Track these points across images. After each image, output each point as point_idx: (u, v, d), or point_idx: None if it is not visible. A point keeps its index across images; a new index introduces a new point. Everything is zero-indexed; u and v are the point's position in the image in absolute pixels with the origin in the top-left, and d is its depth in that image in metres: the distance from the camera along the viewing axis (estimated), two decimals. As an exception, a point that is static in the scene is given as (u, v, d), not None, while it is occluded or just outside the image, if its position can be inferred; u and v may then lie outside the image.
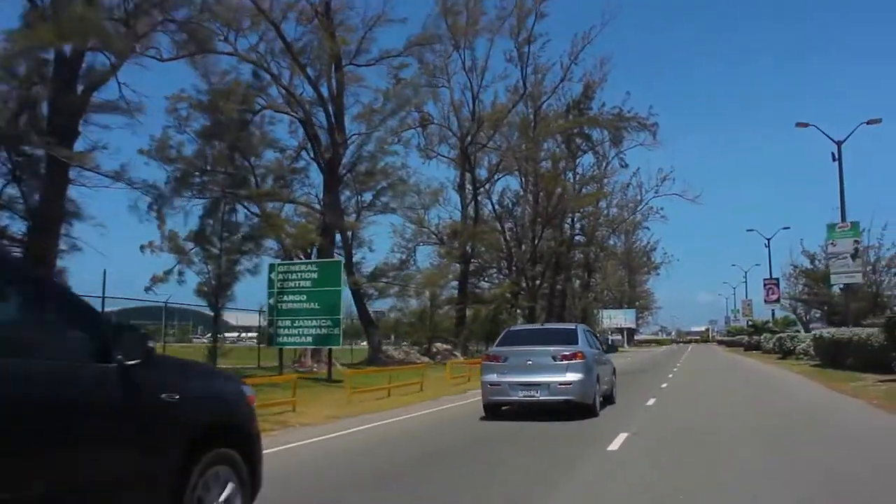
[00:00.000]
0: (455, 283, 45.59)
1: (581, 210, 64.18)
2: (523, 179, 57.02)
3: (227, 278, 25.80)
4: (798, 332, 46.38)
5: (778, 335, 43.76)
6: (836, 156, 32.09)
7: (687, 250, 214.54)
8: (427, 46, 35.62)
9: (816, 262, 60.57)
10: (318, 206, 31.62)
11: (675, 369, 31.16)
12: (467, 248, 44.11)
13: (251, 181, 29.77)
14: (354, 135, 31.29)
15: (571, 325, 16.06)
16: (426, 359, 36.87)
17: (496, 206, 54.92)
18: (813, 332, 35.49)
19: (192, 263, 25.53)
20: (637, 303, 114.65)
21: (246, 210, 29.09)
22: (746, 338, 72.30)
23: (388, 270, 37.66)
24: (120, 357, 3.62)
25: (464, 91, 45.22)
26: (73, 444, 3.33)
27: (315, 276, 23.43)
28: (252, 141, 30.51)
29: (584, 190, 62.29)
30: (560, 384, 12.26)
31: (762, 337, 55.21)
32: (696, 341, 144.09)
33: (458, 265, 44.39)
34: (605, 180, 65.52)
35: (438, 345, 40.49)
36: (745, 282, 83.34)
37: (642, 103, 72.60)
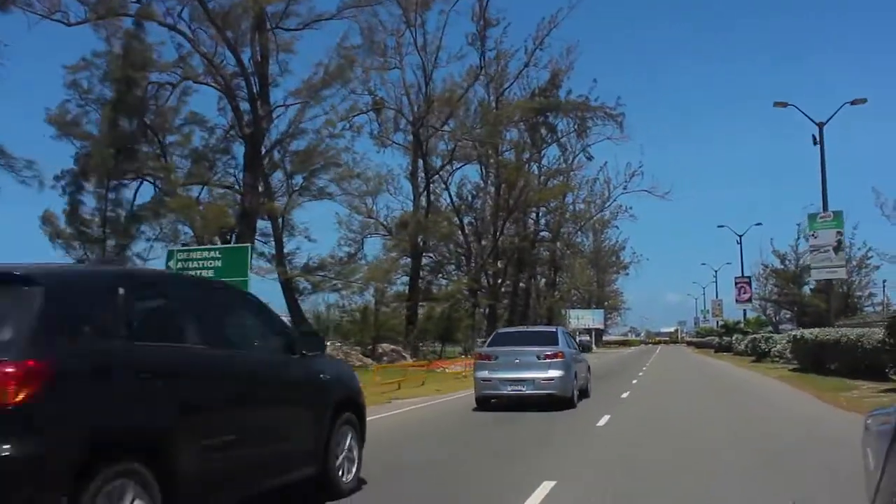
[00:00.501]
0: (407, 279, 42.07)
1: (546, 204, 61.20)
2: (483, 170, 53.78)
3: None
4: (772, 332, 43.55)
5: (751, 336, 40.79)
6: (817, 139, 29.18)
7: (656, 250, 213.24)
8: (366, 8, 31.90)
9: (787, 262, 61.29)
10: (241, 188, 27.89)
11: (633, 382, 23.17)
12: (419, 240, 40.56)
13: (164, 159, 26.04)
14: (280, 106, 27.54)
15: (553, 328, 18.04)
16: (369, 360, 33.42)
17: (454, 198, 51.57)
18: (790, 333, 32.53)
19: (72, 248, 21.67)
20: (606, 303, 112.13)
21: (156, 189, 25.39)
22: (717, 339, 69.74)
23: (333, 264, 33.98)
24: (304, 351, 6.17)
25: (416, 71, 41.77)
26: (278, 402, 5.78)
27: (219, 263, 19.81)
28: (165, 115, 26.80)
29: (549, 184, 59.29)
30: (543, 380, 13.83)
31: (734, 338, 52.47)
32: (666, 342, 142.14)
33: (409, 259, 40.86)
34: (572, 174, 62.70)
35: (385, 345, 36.92)
36: (716, 281, 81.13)
37: (610, 95, 70.47)
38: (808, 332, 25.33)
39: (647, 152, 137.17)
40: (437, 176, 45.36)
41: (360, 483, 6.68)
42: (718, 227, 61.52)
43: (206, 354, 4.96)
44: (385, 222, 42.50)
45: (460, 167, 51.61)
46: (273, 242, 30.11)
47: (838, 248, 28.42)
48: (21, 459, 3.43)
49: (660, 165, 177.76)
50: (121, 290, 4.36)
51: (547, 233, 64.31)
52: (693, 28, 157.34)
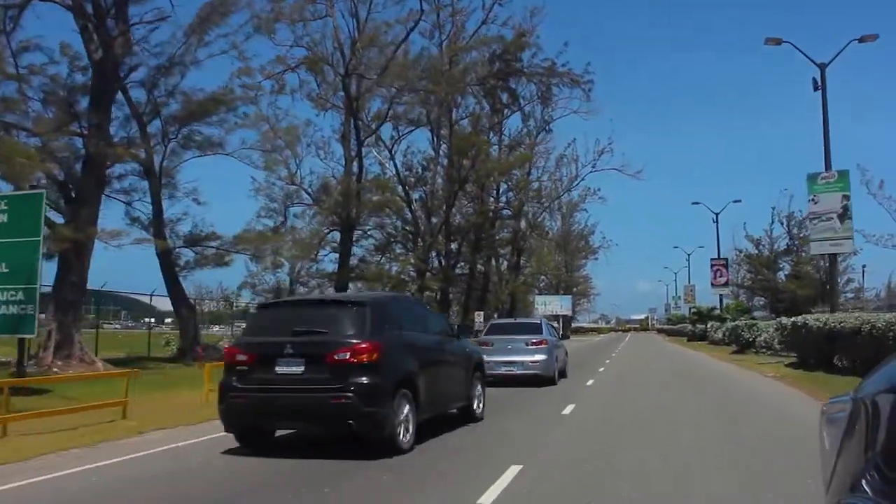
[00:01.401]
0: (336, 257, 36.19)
1: (508, 181, 55.76)
2: (434, 138, 47.89)
3: None
4: (755, 319, 38.36)
5: (733, 323, 35.40)
6: (819, 83, 23.82)
7: (627, 235, 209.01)
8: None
9: (761, 248, 57.13)
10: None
11: (588, 383, 18.14)
12: (351, 212, 34.64)
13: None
14: (136, 24, 21.36)
15: (538, 320, 21.51)
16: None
17: (400, 169, 45.64)
18: (778, 320, 27.29)
19: None
20: (574, 289, 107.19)
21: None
22: (690, 326, 65.05)
23: (251, 238, 28.06)
24: (460, 335, 12.40)
25: (347, 17, 35.71)
26: (452, 363, 10.19)
27: (4, 218, 13.93)
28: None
29: (510, 157, 53.92)
30: (531, 362, 17.02)
31: (709, 325, 47.50)
32: (636, 329, 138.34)
33: (337, 233, 35.02)
34: (536, 148, 57.20)
35: None
36: (688, 265, 76.29)
37: (578, 62, 65.13)
38: (814, 319, 19.98)
39: (617, 129, 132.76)
40: (378, 142, 39.53)
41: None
42: (693, 203, 56.48)
43: (425, 337, 9.55)
44: (310, 190, 36.42)
45: (408, 133, 45.77)
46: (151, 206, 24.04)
47: (844, 215, 23.14)
48: (377, 384, 7.71)
49: (631, 144, 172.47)
50: (396, 306, 9.61)
51: (508, 210, 58.66)
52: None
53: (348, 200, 34.29)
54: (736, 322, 34.90)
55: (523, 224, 63.37)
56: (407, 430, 8.05)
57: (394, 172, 44.41)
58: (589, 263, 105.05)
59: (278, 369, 7.82)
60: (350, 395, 7.53)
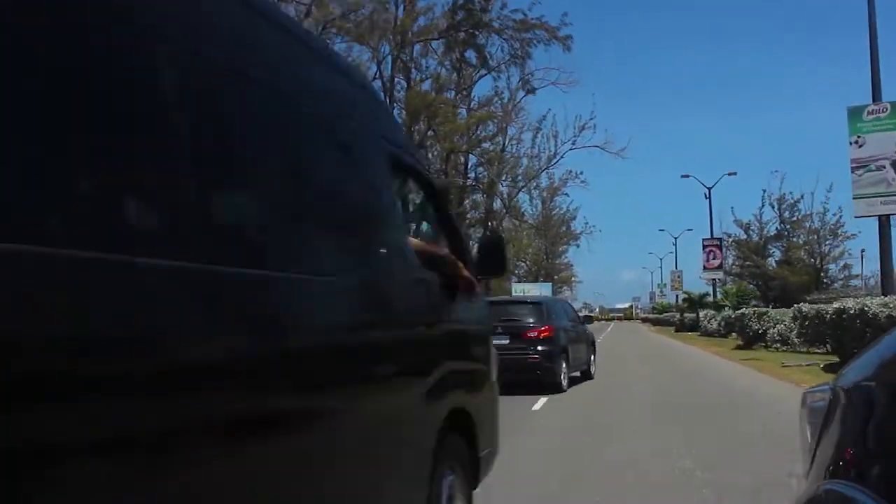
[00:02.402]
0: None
1: (480, 157, 49.72)
2: (387, 98, 41.45)
3: None
4: (759, 307, 32.06)
5: (738, 311, 28.88)
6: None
7: (611, 223, 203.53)
8: None
9: (750, 232, 53.93)
10: None
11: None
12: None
13: None
14: None
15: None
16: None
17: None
18: (798, 307, 21.02)
19: None
20: (556, 276, 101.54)
21: None
22: (678, 316, 59.14)
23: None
24: (583, 322, 17.41)
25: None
26: (584, 340, 15.89)
27: None
28: None
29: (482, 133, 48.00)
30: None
31: (703, 315, 41.39)
32: (620, 319, 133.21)
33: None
34: (514, 117, 51.12)
35: None
36: (675, 250, 70.41)
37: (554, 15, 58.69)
38: (874, 302, 13.66)
39: (600, 108, 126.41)
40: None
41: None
42: (683, 176, 50.21)
43: (569, 323, 14.59)
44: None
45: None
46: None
47: (901, 161, 16.87)
48: (551, 350, 13.04)
49: (614, 123, 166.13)
50: (559, 305, 15.68)
51: (477, 184, 52.61)
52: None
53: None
54: (741, 310, 28.48)
55: (498, 204, 57.47)
56: (565, 377, 13.25)
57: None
58: (571, 250, 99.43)
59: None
60: (537, 356, 12.75)
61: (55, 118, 1.44)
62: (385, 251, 2.91)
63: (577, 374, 14.81)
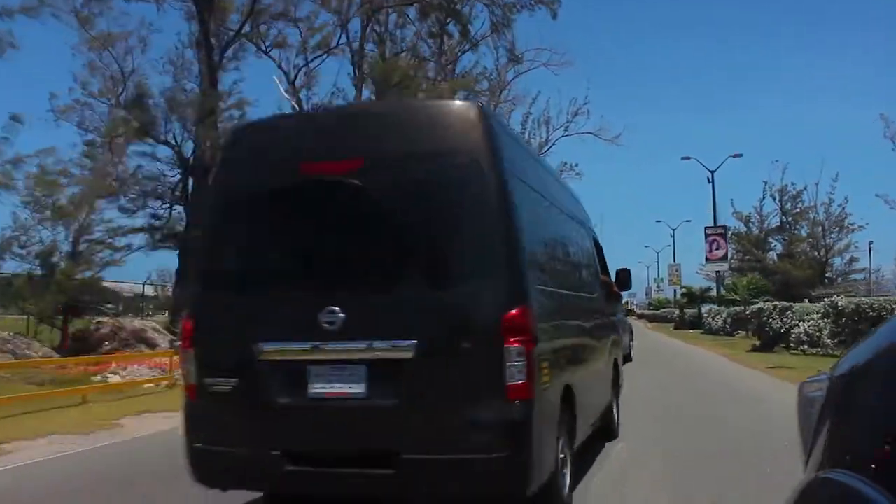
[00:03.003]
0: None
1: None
2: (356, 70, 37.42)
3: None
4: (771, 301, 27.97)
5: (756, 306, 24.48)
6: None
7: (605, 215, 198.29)
8: None
9: (751, 225, 52.35)
10: None
11: None
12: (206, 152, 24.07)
13: None
14: None
15: None
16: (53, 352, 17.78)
17: (307, 106, 34.94)
18: (830, 301, 16.97)
19: None
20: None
21: None
22: (677, 312, 55.33)
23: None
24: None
25: None
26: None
27: None
28: None
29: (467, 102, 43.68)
30: None
31: (707, 310, 37.41)
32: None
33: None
34: (502, 94, 47.41)
35: (105, 319, 20.97)
36: (673, 242, 66.82)
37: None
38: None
39: (594, 96, 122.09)
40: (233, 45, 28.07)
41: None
42: (683, 158, 46.22)
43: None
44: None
45: (318, 59, 35.46)
46: None
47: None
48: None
49: (608, 110, 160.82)
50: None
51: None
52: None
53: (206, 133, 23.85)
54: (758, 305, 24.27)
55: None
56: None
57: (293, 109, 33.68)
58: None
59: None
60: None
61: (563, 258, 6.57)
62: (598, 280, 8.14)
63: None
